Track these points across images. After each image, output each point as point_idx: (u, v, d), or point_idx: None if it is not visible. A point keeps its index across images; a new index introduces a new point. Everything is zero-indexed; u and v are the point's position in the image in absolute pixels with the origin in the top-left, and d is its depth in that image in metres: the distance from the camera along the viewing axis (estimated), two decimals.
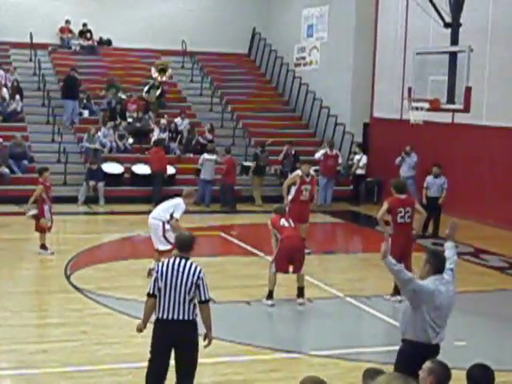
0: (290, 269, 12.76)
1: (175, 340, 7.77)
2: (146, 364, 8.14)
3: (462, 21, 18.69)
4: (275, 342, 11.16)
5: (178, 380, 7.99)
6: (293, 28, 29.77)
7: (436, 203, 19.41)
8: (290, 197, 15.94)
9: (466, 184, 21.74)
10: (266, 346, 10.74)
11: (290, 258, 12.64)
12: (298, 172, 16.38)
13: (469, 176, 21.82)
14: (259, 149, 24.26)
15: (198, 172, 23.50)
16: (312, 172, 16.65)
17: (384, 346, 11.03)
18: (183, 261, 7.81)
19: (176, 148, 24.93)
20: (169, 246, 13.66)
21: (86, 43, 29.82)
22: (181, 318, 7.70)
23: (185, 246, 7.96)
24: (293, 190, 16.09)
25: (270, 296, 12.73)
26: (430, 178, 19.55)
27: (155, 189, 22.55)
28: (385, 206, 13.19)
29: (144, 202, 22.17)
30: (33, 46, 28.18)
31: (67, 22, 29.57)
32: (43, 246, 15.79)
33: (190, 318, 7.76)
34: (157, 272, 7.81)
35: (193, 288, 7.70)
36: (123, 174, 23.36)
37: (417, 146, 23.09)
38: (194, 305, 7.78)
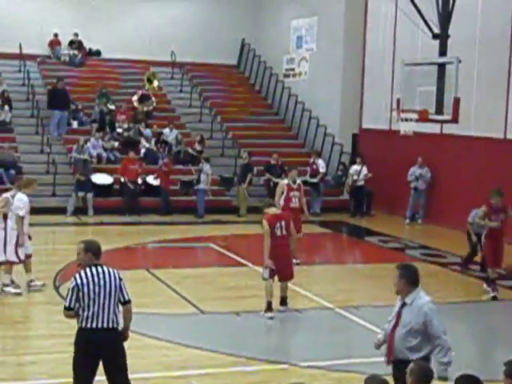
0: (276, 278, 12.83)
1: (103, 349, 7.64)
2: (135, 376, 8.12)
3: (450, 32, 18.79)
4: (264, 352, 11.15)
5: None
6: (282, 39, 29.85)
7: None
8: (279, 207, 15.92)
9: (454, 194, 21.81)
10: (255, 357, 10.71)
11: (278, 268, 12.68)
12: (284, 181, 16.82)
13: (457, 186, 21.89)
14: (248, 159, 24.20)
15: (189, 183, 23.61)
16: (298, 180, 16.78)
17: (373, 356, 11.02)
18: (99, 268, 7.71)
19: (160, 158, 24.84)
20: (12, 259, 13.50)
21: (74, 53, 29.79)
22: (105, 326, 7.61)
23: (99, 252, 7.81)
24: (281, 199, 16.17)
25: (269, 308, 12.68)
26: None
27: (124, 199, 22.73)
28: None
29: (133, 213, 22.28)
30: (22, 57, 28.17)
31: (55, 35, 29.58)
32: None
33: (115, 325, 7.70)
34: (77, 284, 7.63)
35: (117, 291, 7.68)
36: (112, 184, 23.33)
37: (406, 157, 23.21)
38: (118, 311, 7.75)
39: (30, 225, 13.96)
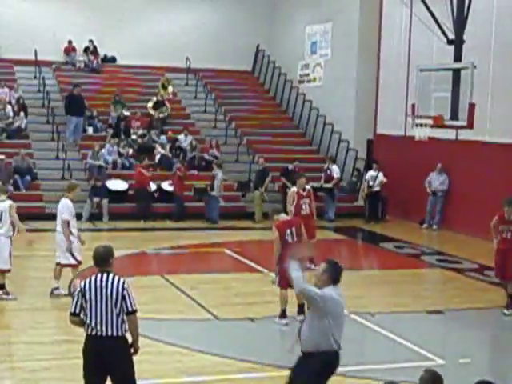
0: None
1: (107, 357, 7.63)
2: (149, 382, 8.11)
3: (465, 38, 18.75)
4: (280, 359, 11.10)
5: None
6: (296, 45, 29.86)
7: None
8: (291, 215, 15.85)
9: (469, 200, 21.71)
10: (271, 363, 10.69)
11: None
12: (294, 188, 16.73)
13: (472, 192, 21.78)
14: (264, 164, 24.28)
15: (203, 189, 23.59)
16: (308, 186, 16.75)
17: (388, 363, 11.00)
18: (105, 275, 7.69)
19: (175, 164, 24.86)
20: (72, 261, 13.65)
21: (89, 59, 29.89)
22: (109, 334, 7.59)
23: (101, 259, 7.79)
24: (292, 207, 16.15)
25: (283, 314, 12.65)
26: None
27: (138, 205, 22.78)
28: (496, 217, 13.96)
29: (148, 219, 22.33)
30: (37, 64, 28.30)
31: (70, 42, 29.72)
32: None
33: (120, 333, 7.66)
34: (81, 290, 7.69)
35: (119, 300, 7.60)
36: (127, 190, 23.39)
37: (421, 163, 23.13)
38: (123, 320, 7.66)
39: (48, 230, 13.98)
